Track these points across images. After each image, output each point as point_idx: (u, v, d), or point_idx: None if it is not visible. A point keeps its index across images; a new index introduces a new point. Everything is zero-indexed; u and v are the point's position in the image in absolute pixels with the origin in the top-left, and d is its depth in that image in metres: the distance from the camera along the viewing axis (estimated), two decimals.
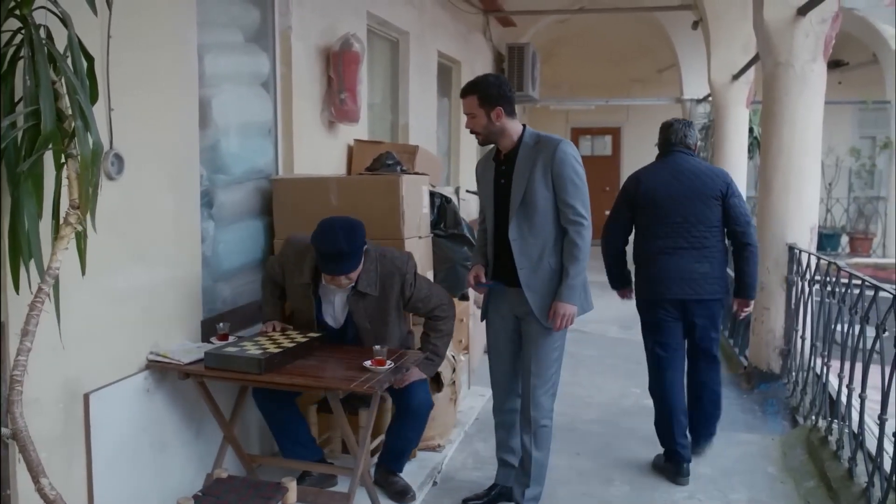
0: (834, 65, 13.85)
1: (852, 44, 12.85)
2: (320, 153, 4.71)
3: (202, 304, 3.48)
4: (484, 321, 3.55)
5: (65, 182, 2.20)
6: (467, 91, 3.25)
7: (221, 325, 3.36)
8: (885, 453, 3.14)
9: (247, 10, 4.02)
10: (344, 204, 3.95)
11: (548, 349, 3.28)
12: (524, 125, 3.31)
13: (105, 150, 2.71)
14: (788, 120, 5.03)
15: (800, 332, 4.75)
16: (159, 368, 3.06)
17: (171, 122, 3.17)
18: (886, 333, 3.30)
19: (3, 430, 2.11)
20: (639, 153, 12.52)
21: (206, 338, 3.40)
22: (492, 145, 3.34)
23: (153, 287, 3.10)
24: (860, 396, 3.52)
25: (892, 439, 3.02)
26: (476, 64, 9.17)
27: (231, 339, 3.34)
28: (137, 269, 3.00)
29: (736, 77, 8.42)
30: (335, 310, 3.45)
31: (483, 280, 3.42)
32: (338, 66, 4.66)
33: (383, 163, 4.50)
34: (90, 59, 2.27)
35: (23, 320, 2.15)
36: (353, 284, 3.34)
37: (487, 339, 3.56)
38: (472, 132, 3.31)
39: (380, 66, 6.22)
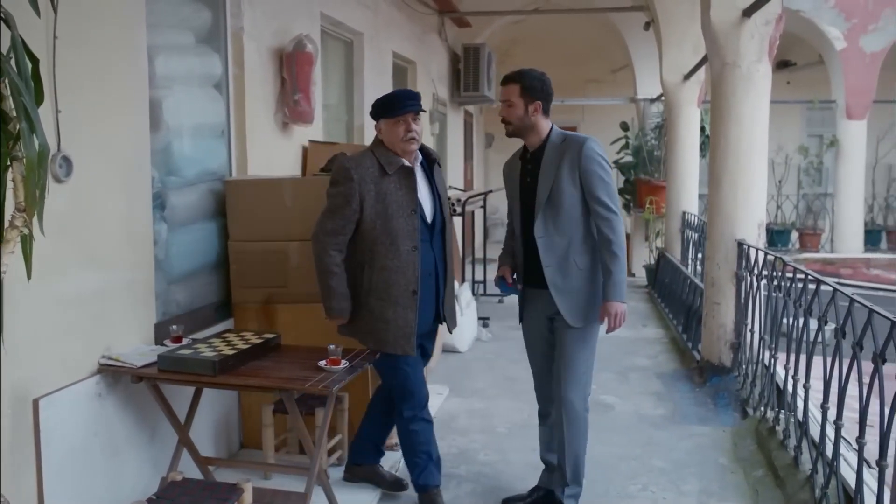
0: (782, 65, 14.20)
1: (800, 45, 13.17)
2: (274, 154, 4.70)
3: (156, 308, 3.46)
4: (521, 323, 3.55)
5: (10, 185, 2.17)
6: (511, 79, 3.24)
7: (175, 327, 3.34)
8: (827, 440, 3.25)
9: (198, 12, 4.00)
10: (299, 204, 3.95)
11: (577, 348, 3.26)
12: (552, 125, 3.30)
13: (53, 152, 2.68)
14: (735, 119, 5.15)
15: (749, 326, 4.87)
16: (111, 372, 3.03)
17: (121, 124, 3.15)
18: (828, 325, 3.41)
19: None
20: None
21: (160, 341, 3.38)
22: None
23: (104, 290, 3.06)
24: (804, 387, 3.64)
25: (834, 426, 3.11)
26: (431, 64, 9.22)
27: (185, 341, 3.31)
28: (88, 273, 2.96)
29: (687, 77, 8.58)
30: (422, 193, 3.33)
31: (509, 281, 3.41)
32: (291, 67, 4.66)
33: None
34: (35, 61, 2.24)
35: None
36: (422, 160, 3.37)
37: (525, 341, 3.53)
38: (503, 121, 3.28)
39: (334, 67, 6.22)
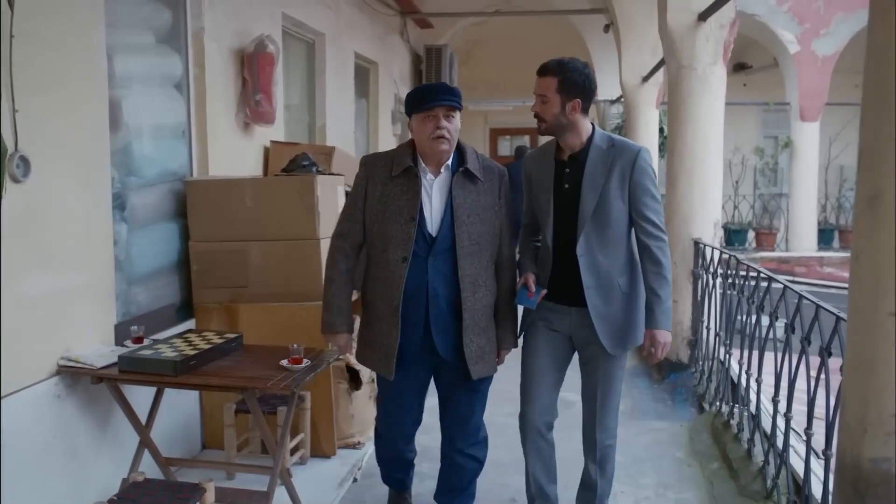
0: (739, 68, 14.47)
1: (755, 48, 13.45)
2: (236, 155, 4.69)
3: (116, 308, 3.44)
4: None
5: None
6: (549, 70, 2.83)
7: (135, 327, 3.33)
8: (778, 432, 3.35)
9: (158, 12, 3.98)
10: (260, 204, 3.96)
11: (613, 374, 3.00)
12: (593, 124, 2.96)
13: (10, 152, 2.67)
14: (692, 120, 5.26)
15: (705, 323, 4.98)
16: (71, 374, 3.02)
17: (80, 124, 3.13)
18: (780, 321, 3.51)
19: None
20: None
21: (120, 342, 3.36)
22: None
23: (63, 291, 3.05)
24: (756, 381, 3.74)
25: (784, 419, 3.21)
26: (393, 65, 9.24)
27: (146, 341, 3.31)
28: (46, 274, 2.95)
29: (646, 79, 8.71)
30: (433, 203, 2.89)
31: (531, 289, 2.95)
32: (252, 67, 4.66)
33: (299, 164, 4.50)
34: None
35: None
36: (454, 166, 2.91)
37: (527, 350, 3.11)
38: (536, 117, 2.89)
39: (296, 67, 6.22)
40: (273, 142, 5.15)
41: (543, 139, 3.05)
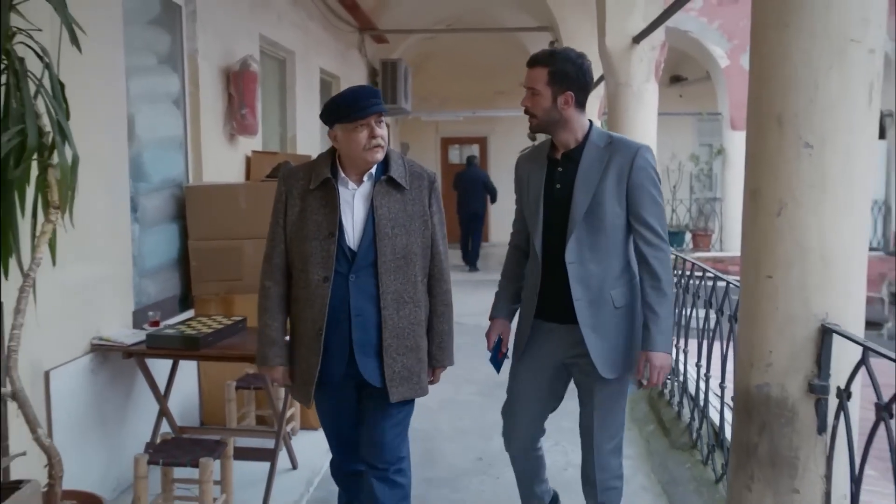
0: (675, 80, 15.38)
1: (690, 62, 14.34)
2: (223, 163, 5.20)
3: (133, 297, 3.94)
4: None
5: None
6: (538, 60, 2.63)
7: (152, 313, 3.83)
8: (701, 393, 4.00)
9: (160, 36, 4.49)
10: (251, 206, 4.48)
11: (613, 400, 2.73)
12: (591, 121, 2.73)
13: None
14: (629, 131, 5.92)
15: None
16: (103, 351, 3.51)
17: (105, 137, 3.63)
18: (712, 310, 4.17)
19: (4, 389, 2.55)
20: (504, 160, 13.47)
21: (137, 325, 3.86)
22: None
23: (94, 282, 3.54)
24: (684, 351, 4.41)
25: (706, 379, 3.87)
26: (353, 78, 9.79)
27: (161, 326, 3.81)
28: (81, 267, 3.44)
29: None
30: (354, 214, 2.62)
31: (501, 349, 2.81)
32: (238, 84, 5.18)
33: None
34: (62, 85, 2.75)
35: (14, 301, 2.60)
36: (378, 174, 2.63)
37: (518, 383, 2.87)
38: (526, 112, 2.67)
39: (270, 83, 6.74)
40: (254, 151, 5.67)
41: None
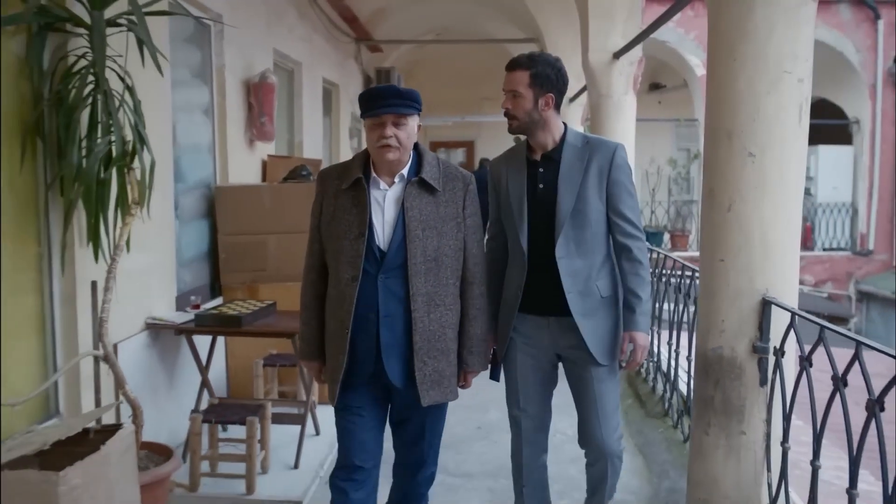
0: (654, 87, 16.07)
1: (669, 70, 15.03)
2: (244, 167, 5.74)
3: (175, 284, 4.48)
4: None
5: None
6: (519, 64, 2.75)
7: (194, 297, 4.39)
8: (671, 368, 4.59)
9: (192, 52, 5.04)
10: (274, 205, 5.03)
11: (608, 387, 2.85)
12: (565, 123, 2.87)
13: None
14: (610, 137, 6.45)
15: None
16: (156, 329, 4.05)
17: (158, 143, 4.14)
18: (663, 293, 4.77)
19: (97, 352, 3.09)
20: None
21: (180, 308, 4.40)
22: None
23: (147, 269, 4.08)
24: (658, 333, 5.00)
25: (676, 354, 4.47)
26: (350, 86, 10.35)
27: (200, 308, 4.35)
28: (139, 256, 3.96)
29: (572, 100, 10.03)
30: (384, 215, 2.63)
31: (498, 357, 2.90)
32: (258, 94, 5.73)
33: (299, 173, 5.60)
34: (139, 101, 3.29)
35: (103, 281, 3.15)
36: (411, 175, 2.65)
37: (517, 381, 2.95)
38: (506, 115, 2.81)
39: (280, 92, 7.26)
40: (270, 156, 6.21)
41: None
